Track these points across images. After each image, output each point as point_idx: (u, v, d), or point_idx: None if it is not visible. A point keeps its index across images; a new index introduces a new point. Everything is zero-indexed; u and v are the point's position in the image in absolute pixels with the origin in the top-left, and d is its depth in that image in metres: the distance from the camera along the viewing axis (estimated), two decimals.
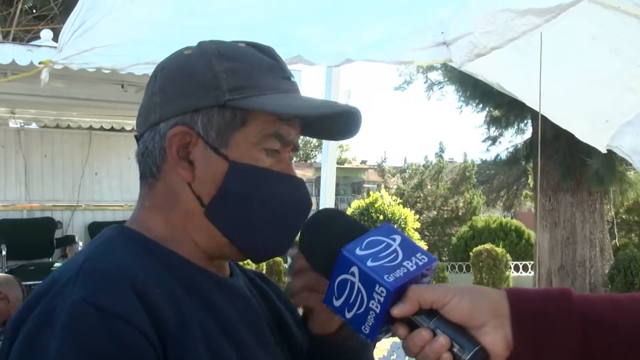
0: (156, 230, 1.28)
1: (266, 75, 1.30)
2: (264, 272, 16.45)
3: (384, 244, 1.19)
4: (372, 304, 1.14)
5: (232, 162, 1.26)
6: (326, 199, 3.81)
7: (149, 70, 1.39)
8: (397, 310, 1.13)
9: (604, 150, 3.87)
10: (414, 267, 1.17)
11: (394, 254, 1.18)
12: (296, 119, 1.32)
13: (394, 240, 1.21)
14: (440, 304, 1.13)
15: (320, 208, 3.85)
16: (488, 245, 17.04)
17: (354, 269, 1.16)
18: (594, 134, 3.85)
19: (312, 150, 50.42)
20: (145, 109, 1.33)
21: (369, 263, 1.15)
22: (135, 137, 1.36)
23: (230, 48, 1.32)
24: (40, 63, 3.16)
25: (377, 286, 1.13)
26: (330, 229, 1.27)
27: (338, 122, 1.36)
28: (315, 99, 1.37)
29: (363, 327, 1.17)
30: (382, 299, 1.13)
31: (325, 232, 1.27)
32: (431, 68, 19.23)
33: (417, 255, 1.19)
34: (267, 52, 1.34)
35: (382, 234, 1.22)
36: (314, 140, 50.42)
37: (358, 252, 1.17)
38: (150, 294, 1.12)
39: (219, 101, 1.25)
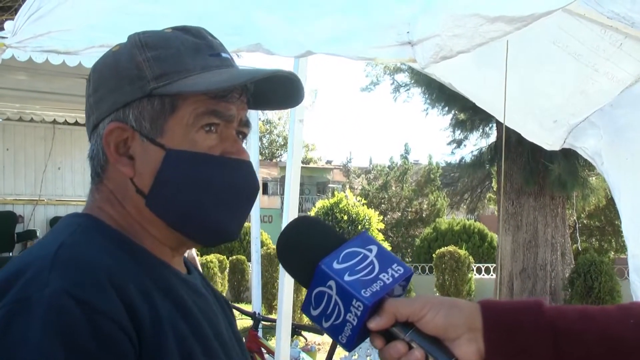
0: (120, 222, 1.28)
1: (192, 56, 1.27)
2: (227, 269, 16.28)
3: (361, 256, 1.20)
4: (349, 317, 1.15)
5: (168, 150, 1.24)
6: (291, 199, 3.80)
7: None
8: (374, 324, 1.15)
9: (549, 149, 3.93)
10: (390, 279, 1.18)
11: (371, 266, 1.18)
12: (234, 94, 1.29)
13: (370, 251, 1.21)
14: (416, 317, 1.15)
15: (285, 207, 3.87)
16: (451, 247, 17.15)
17: (332, 283, 1.16)
18: (540, 133, 3.89)
19: (277, 149, 50.38)
20: (86, 113, 1.33)
21: (346, 277, 1.16)
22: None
23: (153, 36, 1.30)
24: None
25: (355, 301, 1.14)
26: (307, 239, 1.25)
27: (280, 90, 1.35)
28: (244, 69, 1.32)
29: (340, 337, 1.18)
30: (359, 313, 1.14)
31: (302, 243, 1.25)
32: (398, 70, 19.32)
33: (393, 266, 1.20)
34: (194, 33, 1.32)
35: (359, 245, 1.22)
36: (280, 139, 50.39)
37: (335, 265, 1.17)
38: (125, 289, 1.10)
39: (145, 91, 1.24)
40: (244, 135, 1.36)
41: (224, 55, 1.32)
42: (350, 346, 1.18)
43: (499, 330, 1.15)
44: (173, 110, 1.25)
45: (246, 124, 1.34)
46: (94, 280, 1.08)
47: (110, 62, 1.30)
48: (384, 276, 1.18)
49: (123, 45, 1.31)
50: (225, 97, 1.27)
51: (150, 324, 1.11)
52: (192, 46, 1.29)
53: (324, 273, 1.17)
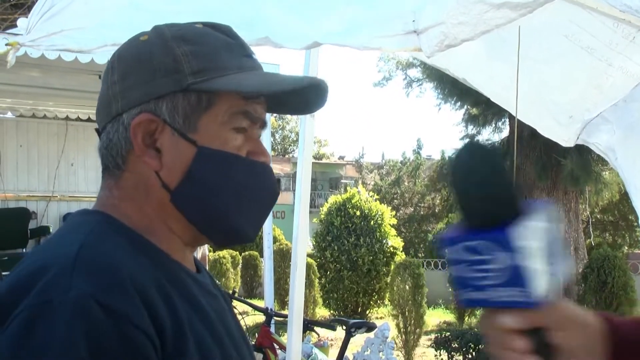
0: (134, 219, 1.25)
1: (227, 54, 1.28)
2: (239, 265, 16.30)
3: (543, 235, 1.04)
4: (503, 292, 1.04)
5: (200, 147, 1.23)
6: (302, 193, 3.80)
7: None
8: (512, 321, 1.06)
9: (565, 145, 3.91)
10: (558, 279, 1.06)
11: (547, 257, 1.04)
12: (262, 96, 1.30)
13: (551, 232, 1.06)
14: (558, 328, 1.08)
15: (296, 202, 3.86)
16: None
17: (506, 256, 1.02)
18: (556, 129, 3.87)
19: (290, 145, 50.42)
20: (104, 101, 1.30)
21: (524, 261, 1.01)
22: (97, 130, 1.33)
23: (187, 30, 1.29)
24: (7, 45, 3.13)
25: (520, 290, 1.03)
26: (489, 182, 1.05)
27: (304, 96, 1.35)
28: (280, 75, 1.34)
29: (465, 290, 1.08)
30: (516, 300, 1.04)
31: (482, 184, 1.05)
32: (410, 65, 19.28)
33: (561, 261, 1.08)
34: (225, 31, 1.32)
35: (544, 219, 1.05)
36: (293, 135, 50.43)
37: (518, 239, 1.01)
38: (148, 292, 1.09)
39: (182, 85, 1.23)
40: (259, 136, 1.36)
41: (254, 56, 1.33)
42: (465, 304, 1.09)
43: (628, 350, 1.11)
44: (208, 107, 1.25)
45: (264, 125, 1.35)
46: (118, 284, 1.06)
47: (141, 52, 1.27)
48: (552, 275, 1.05)
49: (153, 34, 1.30)
50: (255, 98, 1.28)
51: (171, 327, 1.10)
52: (226, 45, 1.29)
53: (505, 241, 1.02)
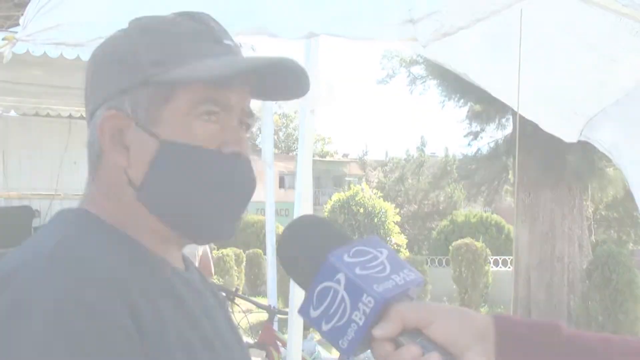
0: (113, 214, 1.23)
1: (192, 42, 1.22)
2: (244, 262, 16.28)
3: (371, 255, 1.11)
4: (356, 316, 1.05)
5: (162, 140, 1.19)
6: (303, 189, 3.78)
7: None
8: (381, 331, 1.03)
9: (568, 141, 3.89)
10: (402, 281, 1.09)
11: (382, 266, 1.09)
12: (234, 82, 1.23)
13: (381, 253, 1.13)
14: (427, 322, 1.05)
15: (296, 198, 3.85)
16: (468, 240, 17.09)
17: (340, 276, 1.06)
18: (560, 125, 3.86)
19: (293, 143, 50.38)
20: (85, 103, 1.29)
21: (357, 271, 1.06)
22: None
23: (153, 21, 1.26)
24: (3, 39, 3.12)
25: (365, 296, 1.04)
26: (313, 235, 1.17)
27: (284, 80, 1.28)
28: (244, 58, 1.28)
29: (341, 341, 1.07)
30: (368, 310, 1.04)
31: (307, 239, 1.17)
32: (414, 62, 19.25)
33: (405, 270, 1.11)
34: (197, 19, 1.27)
35: (369, 246, 1.13)
36: (296, 133, 50.40)
37: (346, 258, 1.08)
38: (126, 288, 1.07)
39: (140, 78, 1.20)
40: (248, 127, 1.31)
41: (226, 42, 1.27)
42: (350, 351, 1.08)
43: (513, 344, 1.08)
44: (169, 99, 1.20)
45: (249, 114, 1.29)
46: (94, 280, 1.04)
47: (108, 48, 1.26)
48: (395, 277, 1.08)
49: (123, 30, 1.27)
50: (225, 85, 1.22)
51: (151, 323, 1.08)
52: (192, 32, 1.24)
53: (332, 265, 1.07)
